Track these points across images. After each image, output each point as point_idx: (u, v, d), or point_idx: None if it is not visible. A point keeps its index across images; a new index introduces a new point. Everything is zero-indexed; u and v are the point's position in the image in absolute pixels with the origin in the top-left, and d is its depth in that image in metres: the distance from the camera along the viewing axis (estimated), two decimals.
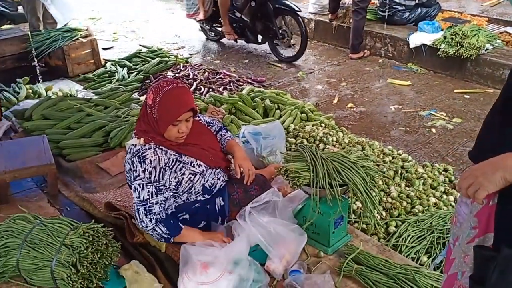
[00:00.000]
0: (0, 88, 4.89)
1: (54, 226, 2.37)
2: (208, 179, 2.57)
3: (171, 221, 2.40)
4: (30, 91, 4.95)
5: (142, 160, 2.34)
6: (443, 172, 3.61)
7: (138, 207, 2.35)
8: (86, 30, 5.94)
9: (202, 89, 5.11)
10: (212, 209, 2.58)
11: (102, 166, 3.56)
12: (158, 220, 2.36)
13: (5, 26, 7.02)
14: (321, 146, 3.77)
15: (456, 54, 5.52)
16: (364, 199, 2.47)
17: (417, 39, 5.99)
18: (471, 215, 1.39)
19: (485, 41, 5.54)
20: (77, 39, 5.70)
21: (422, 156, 4.00)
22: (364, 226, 2.91)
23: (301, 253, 2.49)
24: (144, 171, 2.34)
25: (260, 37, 6.33)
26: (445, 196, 3.22)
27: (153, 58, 5.88)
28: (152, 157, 2.35)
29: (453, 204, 3.16)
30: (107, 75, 5.57)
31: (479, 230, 1.35)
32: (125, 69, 5.64)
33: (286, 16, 6.05)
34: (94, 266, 2.27)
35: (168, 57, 5.97)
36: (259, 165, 3.31)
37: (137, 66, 5.75)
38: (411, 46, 6.02)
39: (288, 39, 6.06)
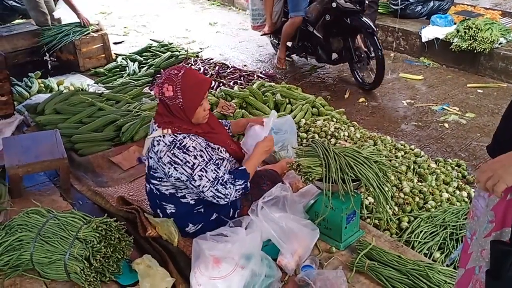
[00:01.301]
0: (12, 83, 4.92)
1: (67, 220, 2.39)
2: (229, 168, 2.58)
3: (236, 173, 2.46)
4: (42, 85, 4.98)
5: (185, 150, 2.33)
6: (456, 168, 3.58)
7: (214, 188, 2.36)
8: (97, 24, 5.96)
9: (213, 84, 5.11)
10: None
11: (114, 160, 3.57)
12: (231, 181, 2.41)
13: (17, 21, 7.06)
14: (333, 141, 3.75)
15: (469, 48, 5.45)
16: (377, 195, 2.46)
17: (429, 33, 5.92)
18: (487, 209, 1.38)
19: (499, 35, 5.46)
20: (88, 33, 5.72)
21: (435, 151, 3.96)
22: (377, 221, 2.89)
23: (313, 249, 2.49)
24: (195, 158, 2.33)
25: (334, 56, 5.39)
26: (458, 192, 3.19)
27: (163, 53, 5.88)
28: (192, 143, 2.35)
29: (466, 200, 3.13)
30: (118, 69, 5.59)
31: (495, 224, 1.34)
32: (136, 63, 5.65)
33: (361, 35, 5.12)
34: (107, 260, 2.29)
35: (179, 51, 5.97)
36: (270, 160, 3.31)
37: (148, 61, 5.76)
38: (424, 40, 5.96)
39: (364, 63, 5.10)
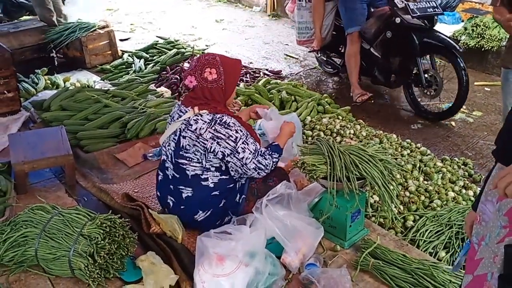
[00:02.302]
0: (19, 79, 4.93)
1: (72, 217, 2.40)
2: None
3: (271, 147, 2.61)
4: (49, 82, 5.00)
5: (226, 125, 2.43)
6: (462, 166, 3.57)
7: (256, 159, 2.47)
8: (104, 21, 5.96)
9: None
10: (233, 186, 2.61)
11: (119, 157, 3.58)
12: (269, 153, 2.55)
13: (24, 18, 7.08)
14: (338, 138, 3.74)
15: (477, 45, 5.42)
16: (382, 193, 2.45)
17: None
18: (499, 214, 1.35)
19: (503, 34, 5.42)
20: (95, 30, 5.73)
21: (441, 150, 3.94)
22: (382, 220, 2.88)
23: (318, 247, 2.49)
24: (237, 131, 2.45)
25: (393, 78, 4.66)
26: (464, 191, 3.18)
27: (169, 50, 5.87)
28: (231, 120, 2.46)
29: (472, 199, 3.11)
30: (124, 66, 5.59)
31: (509, 229, 1.31)
32: (142, 60, 5.65)
33: (436, 55, 4.41)
34: (111, 257, 2.29)
35: (185, 49, 5.96)
36: None
37: (154, 58, 5.76)
38: None
39: (436, 89, 4.32)
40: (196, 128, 2.43)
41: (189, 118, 2.45)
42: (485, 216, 1.44)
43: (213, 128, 2.41)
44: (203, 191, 2.53)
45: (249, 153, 2.45)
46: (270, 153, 2.55)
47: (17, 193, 3.03)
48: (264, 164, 2.50)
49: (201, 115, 2.44)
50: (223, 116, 2.45)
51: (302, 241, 2.39)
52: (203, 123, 2.43)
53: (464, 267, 1.58)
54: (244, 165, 2.46)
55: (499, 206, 1.36)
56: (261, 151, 2.51)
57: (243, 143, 2.44)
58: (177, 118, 2.52)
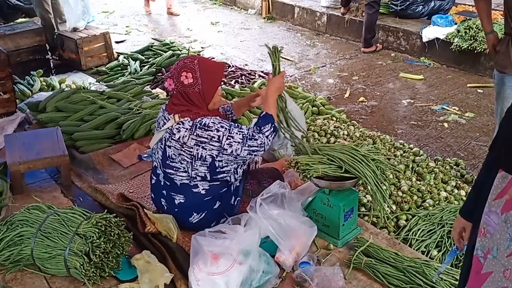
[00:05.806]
0: (15, 81, 4.94)
1: (68, 216, 2.41)
2: None
3: (259, 121, 2.55)
4: (44, 83, 5.00)
5: (206, 127, 2.39)
6: (454, 167, 3.60)
7: (246, 145, 2.42)
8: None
9: None
10: (227, 189, 2.62)
11: (114, 158, 3.59)
12: (257, 131, 2.49)
13: (20, 20, 7.08)
14: (332, 139, 3.77)
15: (469, 48, 5.47)
16: (374, 192, 2.48)
17: (430, 33, 5.94)
18: (507, 225, 1.30)
19: (500, 35, 5.46)
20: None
21: (434, 151, 3.98)
22: (374, 219, 2.91)
23: (311, 245, 2.51)
24: (218, 130, 2.39)
25: None
26: (456, 191, 3.21)
27: (165, 52, 5.89)
28: (210, 120, 2.41)
29: (464, 198, 3.14)
30: (119, 68, 5.60)
31: None
32: (138, 62, 5.66)
33: None
34: (106, 256, 2.31)
35: (180, 51, 5.98)
36: (270, 158, 3.33)
37: (149, 60, 5.77)
38: (424, 40, 5.97)
39: None
40: (180, 137, 2.42)
41: (171, 126, 2.44)
42: (490, 228, 1.38)
43: (195, 133, 2.39)
44: (195, 197, 2.53)
45: (237, 144, 2.41)
46: (258, 130, 2.50)
47: (13, 194, 3.04)
48: (256, 145, 2.45)
49: (183, 123, 2.42)
50: (202, 119, 2.41)
51: (296, 239, 2.42)
52: (185, 131, 2.41)
53: (461, 279, 1.53)
54: (238, 156, 2.44)
55: (505, 217, 1.31)
56: (249, 135, 2.44)
57: (227, 138, 2.40)
58: (162, 125, 2.51)
